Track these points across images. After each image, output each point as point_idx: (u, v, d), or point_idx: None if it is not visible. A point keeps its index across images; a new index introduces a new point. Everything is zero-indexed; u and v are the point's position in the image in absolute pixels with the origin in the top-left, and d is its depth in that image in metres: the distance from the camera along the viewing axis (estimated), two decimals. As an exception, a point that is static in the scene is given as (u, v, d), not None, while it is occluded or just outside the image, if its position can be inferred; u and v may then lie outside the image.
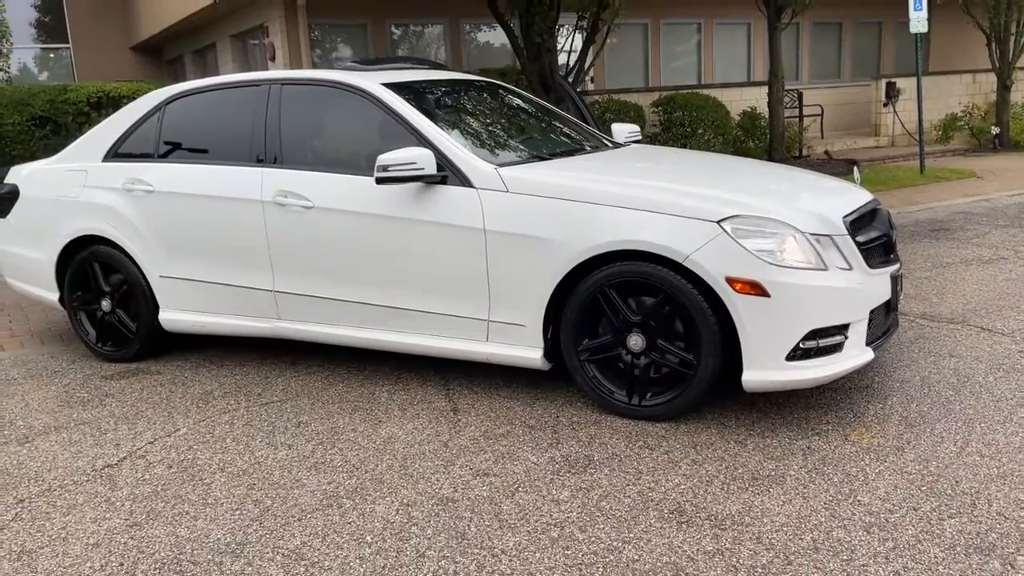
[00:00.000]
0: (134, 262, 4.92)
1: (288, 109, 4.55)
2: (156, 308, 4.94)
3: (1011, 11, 15.87)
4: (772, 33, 13.17)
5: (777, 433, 3.58)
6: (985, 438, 3.42)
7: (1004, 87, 16.37)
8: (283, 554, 2.85)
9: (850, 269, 3.61)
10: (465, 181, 4.00)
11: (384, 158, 3.95)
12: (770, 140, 13.50)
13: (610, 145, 5.02)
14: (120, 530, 3.07)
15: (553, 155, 4.45)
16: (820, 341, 3.51)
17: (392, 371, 4.64)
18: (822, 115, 17.00)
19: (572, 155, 4.54)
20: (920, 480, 3.10)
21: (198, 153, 4.79)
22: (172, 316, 4.88)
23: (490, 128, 4.65)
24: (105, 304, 5.09)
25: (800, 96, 15.42)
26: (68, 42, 19.32)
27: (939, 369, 4.23)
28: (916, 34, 12.24)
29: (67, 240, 5.09)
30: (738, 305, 3.46)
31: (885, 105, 16.80)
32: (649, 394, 3.75)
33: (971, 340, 4.66)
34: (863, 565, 2.59)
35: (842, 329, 3.57)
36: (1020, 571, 2.52)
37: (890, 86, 16.78)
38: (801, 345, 3.48)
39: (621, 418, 3.81)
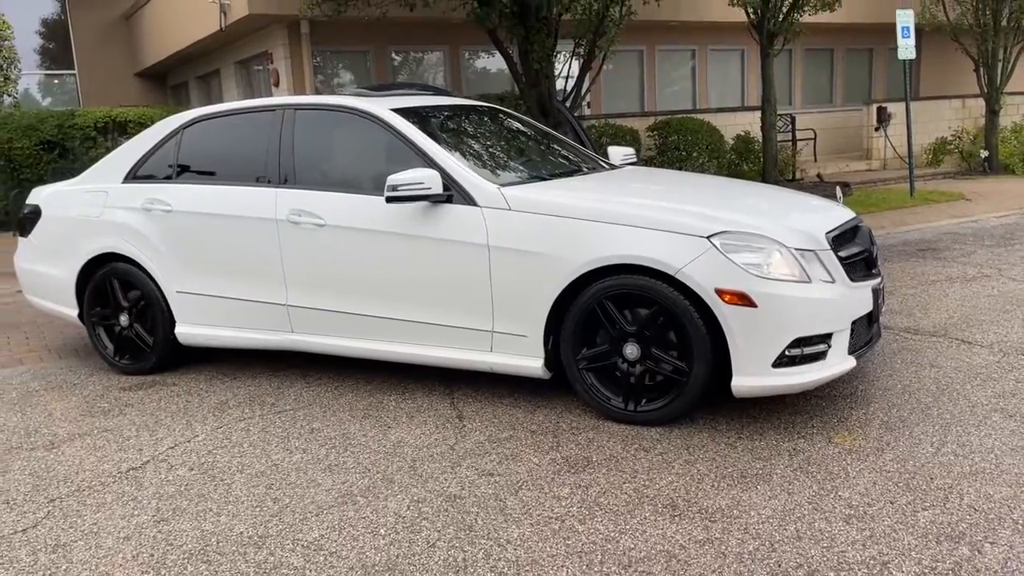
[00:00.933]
0: (152, 278, 5.14)
1: (301, 133, 4.80)
2: (173, 322, 5.15)
3: (998, 38, 16.25)
4: (764, 60, 13.50)
5: (765, 436, 3.80)
6: (960, 440, 3.64)
7: (992, 112, 16.72)
8: (303, 545, 3.05)
9: (833, 282, 3.85)
10: (469, 200, 4.24)
11: (394, 178, 4.20)
12: (763, 163, 13.79)
13: (606, 167, 5.27)
14: (148, 525, 3.28)
15: (552, 176, 4.70)
16: (804, 349, 3.74)
17: (399, 381, 4.86)
18: (815, 139, 17.34)
19: (570, 176, 4.79)
20: (898, 477, 3.32)
21: (214, 174, 5.03)
22: (188, 330, 5.10)
23: (492, 150, 4.90)
24: (123, 319, 5.31)
25: (793, 120, 15.75)
26: (74, 68, 19.65)
27: (920, 378, 4.46)
28: (905, 60, 12.57)
29: (88, 258, 5.32)
30: (727, 315, 3.69)
31: (876, 129, 17.15)
32: (644, 400, 3.97)
33: (951, 351, 4.89)
34: (842, 551, 2.80)
35: (825, 338, 3.80)
36: (987, 556, 2.73)
37: (881, 111, 17.13)
38: (787, 353, 3.71)
39: (618, 423, 4.02)
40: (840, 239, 4.06)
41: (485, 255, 4.16)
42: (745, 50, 17.58)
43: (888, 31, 18.77)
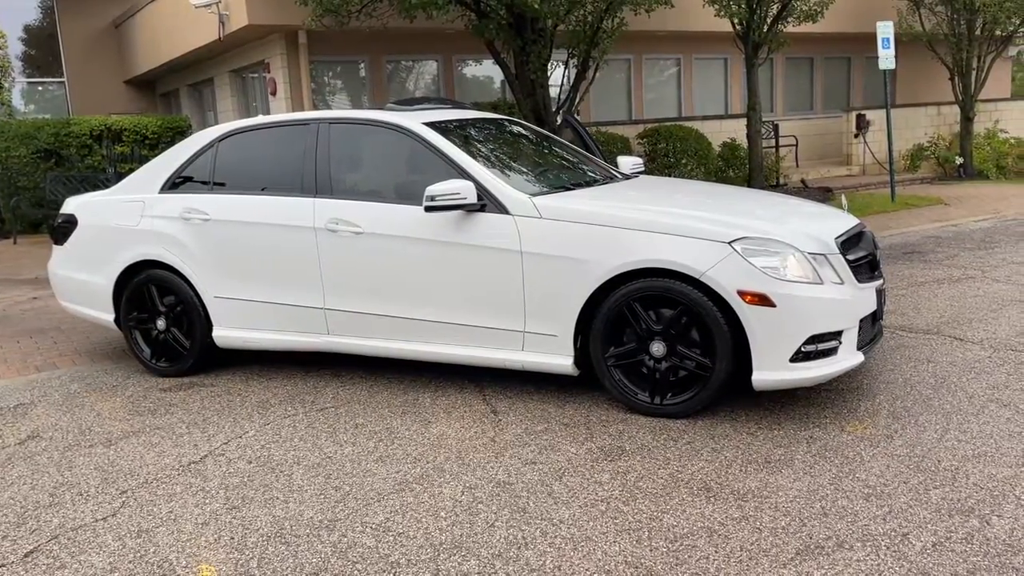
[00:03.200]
0: (190, 284, 5.39)
1: (337, 145, 5.08)
2: (210, 326, 5.40)
3: (972, 47, 16.80)
4: (749, 69, 13.92)
5: (782, 426, 4.12)
6: (961, 427, 3.98)
7: (967, 119, 17.28)
8: (372, 527, 3.33)
9: (842, 283, 4.18)
10: (502, 209, 4.53)
11: (432, 189, 4.48)
12: (749, 169, 14.20)
13: (619, 176, 5.58)
14: (222, 512, 3.54)
15: (576, 185, 5.01)
16: (818, 345, 4.07)
17: (430, 380, 5.14)
18: (796, 145, 17.81)
19: (591, 185, 5.10)
20: (908, 461, 3.65)
21: (251, 185, 5.29)
22: (225, 333, 5.35)
23: (515, 161, 5.19)
24: (160, 323, 5.55)
25: (776, 128, 16.18)
26: (62, 76, 19.71)
27: (918, 372, 4.81)
28: (885, 70, 13.01)
29: (125, 265, 5.55)
30: (748, 315, 4.01)
31: (856, 136, 17.64)
32: (669, 394, 4.28)
33: (945, 348, 5.25)
34: (864, 525, 3.12)
35: (836, 335, 4.13)
36: (995, 527, 3.06)
37: (860, 118, 17.63)
38: (802, 349, 4.03)
39: (644, 416, 4.33)
40: (848, 243, 4.39)
41: (518, 260, 4.46)
42: (728, 59, 18.02)
43: (866, 40, 19.28)
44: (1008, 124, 19.54)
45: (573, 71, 12.09)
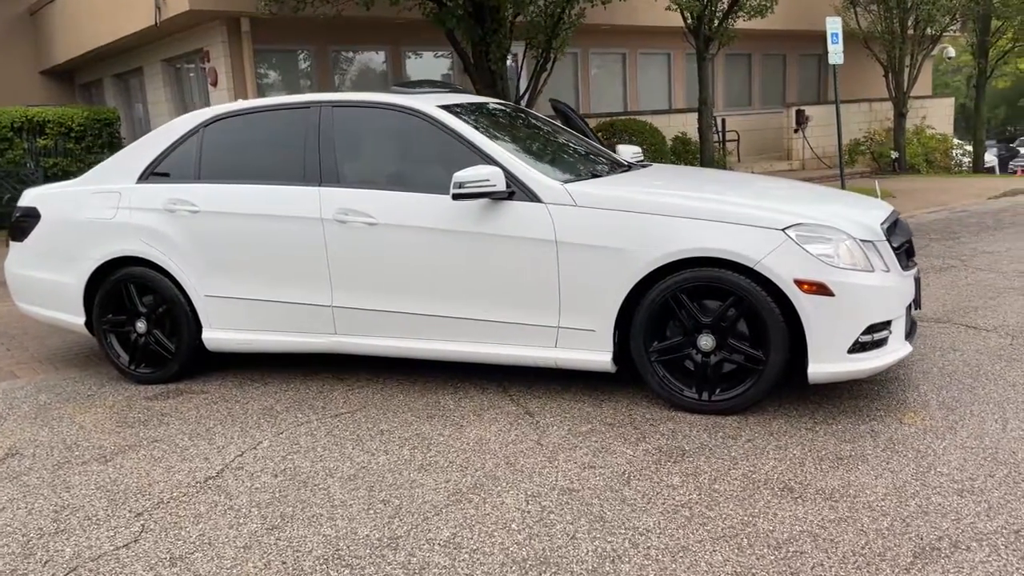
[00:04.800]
0: (175, 282, 4.94)
1: (342, 130, 4.71)
2: (199, 328, 4.96)
3: (906, 46, 17.24)
4: (701, 63, 13.94)
5: (838, 420, 3.96)
6: (1019, 416, 3.89)
7: (900, 115, 17.75)
8: (439, 544, 3.02)
9: (888, 271, 4.04)
10: (533, 197, 4.25)
11: (460, 175, 4.18)
12: (701, 162, 14.22)
13: (635, 164, 5.36)
14: (262, 533, 3.17)
15: (597, 173, 4.76)
16: (874, 335, 3.93)
17: (446, 380, 4.82)
18: (738, 140, 17.98)
19: (612, 173, 4.85)
20: (982, 453, 3.52)
21: (244, 174, 4.87)
22: (217, 335, 4.92)
23: (534, 147, 4.91)
24: (140, 326, 5.07)
25: (723, 122, 16.29)
26: (-29, 66, 18.48)
27: (950, 361, 4.73)
28: (833, 65, 13.18)
29: (99, 262, 5.06)
30: (805, 305, 3.84)
31: (796, 131, 17.92)
32: (718, 390, 4.08)
33: (963, 336, 5.20)
34: (971, 523, 2.97)
35: (887, 325, 3.99)
36: (1098, 520, 2.95)
37: (799, 114, 17.93)
38: (860, 339, 3.88)
39: (691, 413, 4.12)
40: (889, 230, 4.26)
41: (552, 251, 4.19)
42: (671, 54, 18.07)
43: (801, 38, 19.68)
44: (932, 120, 20.18)
45: (533, 62, 11.87)
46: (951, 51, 23.52)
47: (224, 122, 5.02)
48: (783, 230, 3.90)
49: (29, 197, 5.46)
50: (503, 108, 5.38)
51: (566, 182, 4.32)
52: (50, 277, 5.28)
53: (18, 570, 3.01)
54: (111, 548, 3.13)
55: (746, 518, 3.08)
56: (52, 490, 3.67)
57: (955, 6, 16.54)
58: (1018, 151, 36.37)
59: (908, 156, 17.99)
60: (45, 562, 3.06)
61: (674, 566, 2.79)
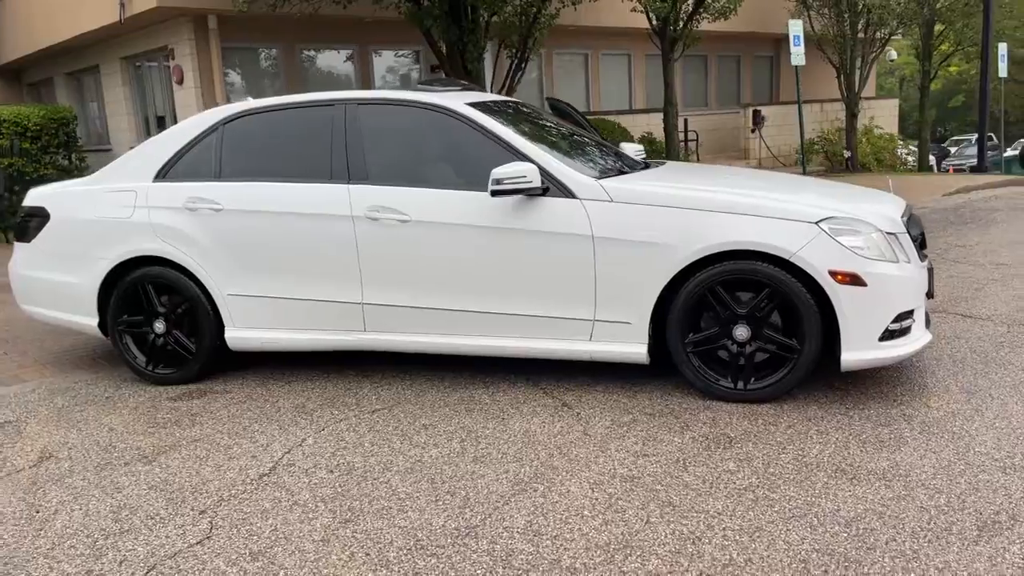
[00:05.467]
0: (197, 281, 4.89)
1: (370, 128, 4.72)
2: (220, 327, 4.92)
3: (857, 48, 17.77)
4: (666, 65, 14.18)
5: (869, 405, 4.13)
6: (1037, 398, 4.11)
7: (852, 115, 18.27)
8: (518, 532, 3.08)
9: (909, 262, 4.23)
10: (567, 193, 4.33)
11: (498, 172, 4.24)
12: (667, 163, 14.45)
13: (645, 163, 5.46)
14: (336, 526, 3.19)
15: (623, 170, 4.86)
16: (901, 323, 4.10)
17: (473, 376, 4.87)
18: (697, 140, 18.31)
19: (636, 170, 4.95)
20: (1013, 433, 3.72)
21: (267, 172, 4.85)
22: (241, 334, 4.89)
23: (560, 144, 4.98)
24: (158, 326, 5.01)
25: (686, 122, 16.57)
26: (-88, 64, 17.83)
27: (957, 348, 4.94)
28: (796, 66, 13.54)
29: (115, 262, 4.99)
30: (840, 295, 3.99)
31: (753, 131, 18.33)
32: (752, 379, 4.21)
33: (963, 325, 5.44)
34: (1021, 498, 3.14)
35: (911, 313, 4.17)
36: None
37: (756, 114, 18.34)
38: (889, 327, 4.05)
39: (726, 402, 4.24)
40: (907, 223, 4.45)
41: (589, 246, 4.27)
42: (631, 55, 18.32)
43: (754, 40, 20.14)
44: (880, 120, 20.82)
45: (503, 62, 11.95)
46: (893, 54, 24.33)
47: (244, 120, 4.99)
48: (816, 223, 4.04)
49: (36, 196, 5.35)
50: (522, 106, 5.45)
51: (598, 178, 4.41)
52: (60, 278, 5.18)
53: (93, 571, 2.98)
54: (185, 545, 3.11)
55: (809, 499, 3.21)
56: (103, 491, 3.62)
57: (903, 10, 17.10)
58: (949, 151, 37.74)
59: (860, 155, 18.53)
60: (120, 562, 3.03)
61: (754, 545, 2.90)
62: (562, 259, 4.32)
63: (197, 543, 3.13)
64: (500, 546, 2.99)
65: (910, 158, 21.80)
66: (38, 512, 3.46)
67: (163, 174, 5.03)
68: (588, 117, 14.62)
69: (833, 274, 3.99)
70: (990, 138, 39.30)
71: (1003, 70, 18.44)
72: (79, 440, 4.24)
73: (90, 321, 5.16)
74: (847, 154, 18.16)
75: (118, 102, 14.87)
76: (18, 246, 5.38)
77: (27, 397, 4.99)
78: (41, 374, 5.47)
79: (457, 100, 4.72)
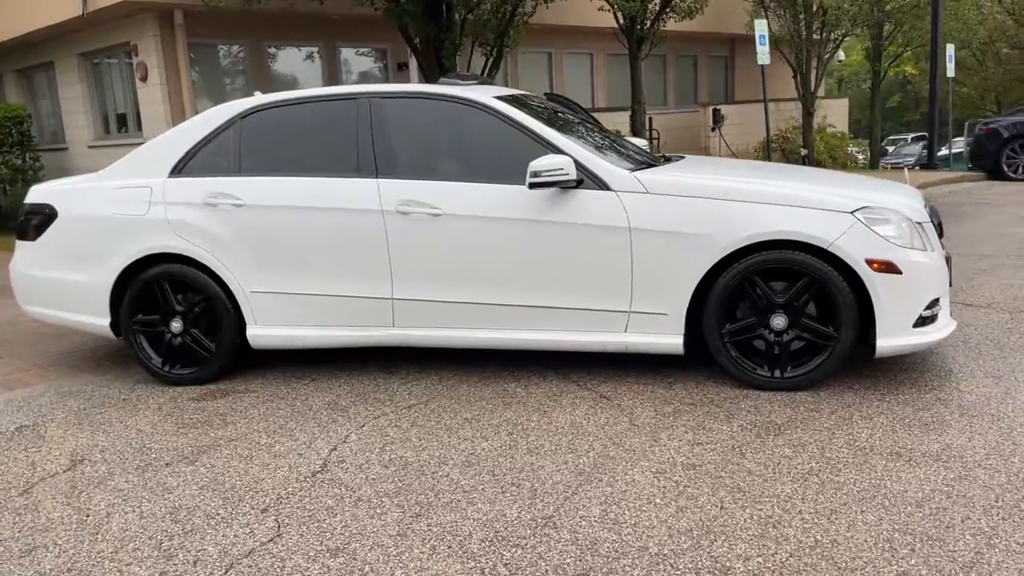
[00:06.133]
0: (217, 279, 4.79)
1: (396, 122, 4.68)
2: (241, 325, 4.83)
3: (813, 48, 18.16)
4: (633, 63, 14.32)
5: (902, 391, 4.23)
6: (1060, 381, 4.26)
7: (808, 113, 18.66)
8: (596, 520, 3.08)
9: (934, 250, 4.35)
10: (602, 185, 4.35)
11: (536, 164, 4.24)
12: (636, 160, 14.58)
13: (666, 156, 5.50)
14: (408, 520, 3.15)
15: (651, 163, 4.89)
16: (932, 310, 4.21)
17: (500, 370, 4.85)
18: (659, 138, 18.50)
19: (659, 163, 4.99)
20: (1047, 413, 3.85)
21: (289, 166, 4.77)
22: (264, 332, 4.80)
23: (588, 137, 4.99)
24: (175, 325, 4.89)
25: (650, 120, 16.74)
26: None
27: (969, 335, 5.09)
28: (762, 65, 13.79)
29: (130, 260, 4.85)
30: (876, 283, 4.08)
31: (713, 130, 18.60)
32: (789, 367, 4.28)
33: (967, 313, 5.60)
34: (1075, 473, 3.26)
35: (938, 301, 4.29)
36: None
37: (716, 112, 18.60)
38: (923, 314, 4.16)
39: (762, 390, 4.30)
40: (929, 212, 4.57)
41: (626, 237, 4.30)
42: (593, 54, 18.44)
43: (711, 40, 20.45)
44: (832, 119, 21.30)
45: (480, 60, 11.94)
46: (841, 55, 24.91)
47: (262, 114, 4.89)
48: (852, 213, 4.13)
49: (41, 193, 5.17)
50: (543, 100, 5.45)
51: (632, 170, 4.44)
52: (70, 277, 5.01)
53: (168, 572, 2.90)
54: (257, 544, 3.05)
55: (874, 481, 3.28)
56: (152, 492, 3.52)
57: (858, 12, 17.54)
58: (887, 150, 38.83)
59: (816, 153, 18.93)
60: (193, 562, 2.95)
61: (834, 527, 2.95)
62: (598, 251, 4.34)
63: (269, 541, 3.07)
64: (582, 535, 2.99)
65: (860, 156, 22.34)
66: (88, 516, 3.35)
67: (178, 170, 4.90)
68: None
69: (870, 262, 4.07)
70: (924, 137, 40.47)
71: (951, 70, 19.03)
72: (109, 442, 4.12)
73: (101, 321, 5.00)
74: (804, 152, 18.53)
75: (75, 100, 14.44)
76: (21, 245, 5.20)
77: (37, 401, 4.83)
78: (44, 377, 5.29)
79: (484, 94, 4.70)
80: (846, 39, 19.53)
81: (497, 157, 4.56)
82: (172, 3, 11.88)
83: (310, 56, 14.23)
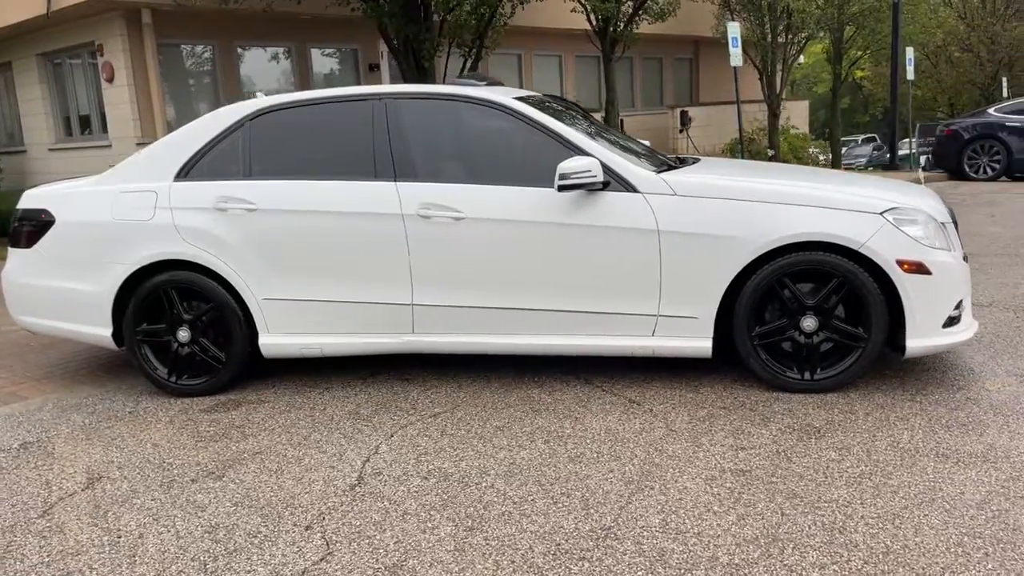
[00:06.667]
0: (228, 286, 4.63)
1: (413, 124, 4.57)
2: (253, 333, 4.67)
3: (777, 51, 18.39)
4: (607, 65, 14.33)
5: (930, 392, 4.23)
6: (1083, 379, 4.31)
7: (774, 115, 18.89)
8: (658, 530, 3.01)
9: (956, 251, 4.37)
10: (629, 187, 4.29)
11: (564, 166, 4.17)
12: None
13: (683, 158, 5.45)
14: (463, 535, 3.05)
15: (672, 164, 4.84)
16: (959, 310, 4.23)
17: (520, 376, 4.76)
18: (628, 140, 18.57)
19: (684, 165, 4.93)
20: (1079, 412, 3.88)
21: (302, 170, 4.63)
22: (277, 341, 4.65)
23: (607, 140, 4.91)
24: (182, 334, 4.71)
25: (622, 122, 16.78)
26: None
27: (980, 334, 5.11)
28: (735, 67, 13.89)
29: (135, 268, 4.66)
30: (906, 284, 4.08)
31: (681, 131, 18.72)
32: (818, 369, 4.26)
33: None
34: (1124, 472, 3.28)
35: (962, 301, 4.31)
36: None
37: (683, 114, 18.74)
38: (951, 314, 4.17)
39: (791, 392, 4.28)
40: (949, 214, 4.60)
41: (655, 240, 4.24)
42: (562, 56, 18.43)
43: (676, 43, 20.59)
44: (794, 120, 21.61)
45: (458, 61, 11.84)
46: (801, 57, 25.26)
47: (272, 116, 4.74)
48: (881, 214, 4.13)
49: (35, 198, 4.95)
50: (559, 102, 5.37)
51: (657, 172, 4.39)
52: (68, 286, 4.80)
53: (219, 596, 2.77)
54: (309, 564, 2.92)
55: (929, 484, 3.26)
56: (182, 511, 3.37)
57: (822, 15, 17.79)
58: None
59: (782, 153, 19.17)
60: (245, 585, 2.82)
61: (900, 532, 2.92)
62: (626, 254, 4.28)
63: (321, 560, 2.94)
64: (647, 546, 2.92)
65: (821, 156, 22.68)
66: (120, 537, 3.19)
67: (184, 173, 4.73)
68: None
69: (900, 263, 4.07)
70: (873, 139, 41.26)
71: (910, 73, 19.41)
72: (124, 458, 3.94)
73: (103, 332, 4.80)
74: (771, 152, 18.74)
75: (34, 101, 13.99)
76: (14, 252, 4.97)
77: (37, 416, 4.62)
78: (40, 391, 5.07)
79: (504, 95, 4.61)
80: (809, 42, 19.80)
81: (518, 159, 4.48)
82: (140, 2, 11.58)
83: (280, 56, 13.99)
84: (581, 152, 4.35)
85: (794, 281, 4.22)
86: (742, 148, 14.27)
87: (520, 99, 4.61)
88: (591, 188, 4.25)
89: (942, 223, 4.28)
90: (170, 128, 12.33)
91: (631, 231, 4.26)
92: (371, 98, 4.66)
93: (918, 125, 21.21)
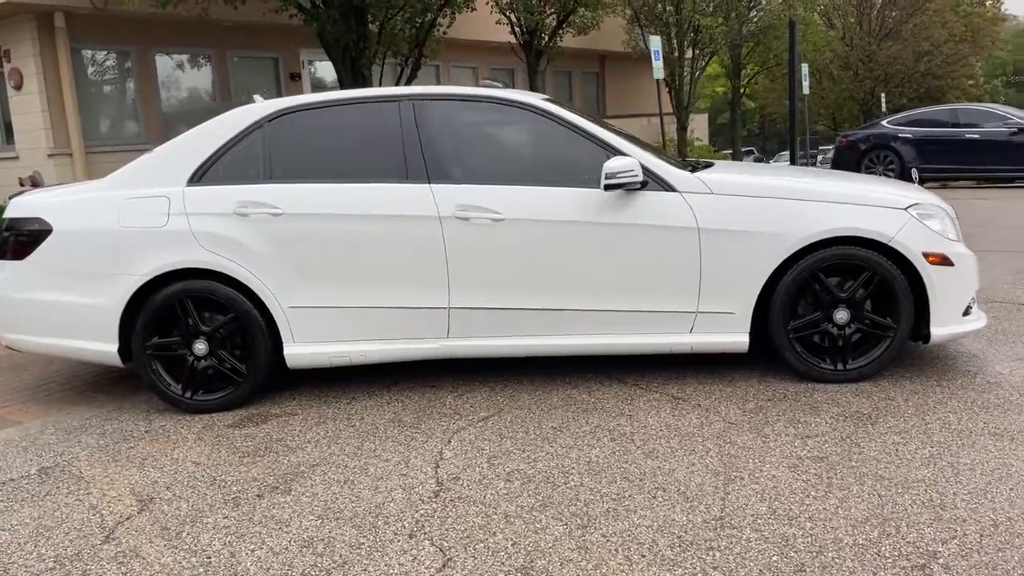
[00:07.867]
0: (251, 294, 4.43)
1: (442, 125, 4.51)
2: (277, 343, 4.48)
3: (687, 65, 19.05)
4: (532, 77, 14.49)
5: (952, 376, 4.46)
6: (1082, 361, 4.63)
7: (682, 127, 19.54)
8: (768, 517, 3.06)
9: (964, 244, 4.64)
10: (667, 186, 4.36)
11: (610, 166, 4.20)
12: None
13: (698, 161, 5.55)
14: (579, 533, 3.02)
15: (697, 166, 4.92)
16: (973, 300, 4.49)
17: (552, 377, 4.75)
18: (544, 152, 18.79)
19: (705, 167, 5.02)
20: (1094, 390, 4.18)
21: (327, 172, 4.49)
22: (304, 350, 4.48)
23: (636, 141, 4.95)
24: (199, 347, 4.47)
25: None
26: None
27: (992, 328, 5.35)
28: (657, 79, 14.29)
29: (148, 278, 4.40)
30: (932, 275, 4.30)
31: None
32: (850, 359, 4.43)
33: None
34: None
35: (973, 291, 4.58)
36: None
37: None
38: (969, 303, 4.42)
39: (827, 383, 4.43)
40: (949, 210, 4.88)
41: (694, 238, 4.32)
42: (477, 67, 18.49)
43: (584, 57, 21.00)
44: (697, 133, 22.41)
45: (391, 70, 11.73)
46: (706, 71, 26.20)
47: (291, 117, 4.58)
48: (906, 209, 4.34)
49: (29, 206, 4.60)
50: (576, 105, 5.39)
51: (691, 172, 4.48)
52: (70, 299, 4.48)
53: (353, 610, 2.64)
54: (433, 571, 2.83)
55: (997, 462, 3.43)
56: (265, 527, 3.20)
57: (727, 31, 18.55)
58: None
59: (688, 165, 19.83)
60: (376, 597, 2.70)
61: (1000, 507, 3.06)
62: (667, 252, 4.34)
63: (444, 566, 2.85)
64: (767, 532, 2.96)
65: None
66: (210, 558, 3.00)
67: (198, 178, 4.50)
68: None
69: (926, 255, 4.29)
70: (751, 151, 43.12)
71: (806, 88, 20.44)
72: (168, 478, 3.71)
73: (108, 347, 4.50)
74: (680, 164, 19.34)
75: (-72, 111, 13.00)
76: (5, 265, 4.59)
77: (41, 439, 4.29)
78: (32, 414, 4.71)
79: (535, 96, 4.61)
80: (714, 56, 20.59)
81: (552, 161, 4.50)
82: (52, 5, 10.96)
83: (200, 63, 13.49)
84: (618, 152, 4.39)
85: (825, 275, 4.37)
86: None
87: (548, 101, 4.62)
88: (631, 187, 4.29)
89: (954, 217, 4.53)
90: (85, 137, 11.71)
91: (672, 229, 4.32)
92: (398, 99, 4.57)
93: (809, 137, 22.40)
